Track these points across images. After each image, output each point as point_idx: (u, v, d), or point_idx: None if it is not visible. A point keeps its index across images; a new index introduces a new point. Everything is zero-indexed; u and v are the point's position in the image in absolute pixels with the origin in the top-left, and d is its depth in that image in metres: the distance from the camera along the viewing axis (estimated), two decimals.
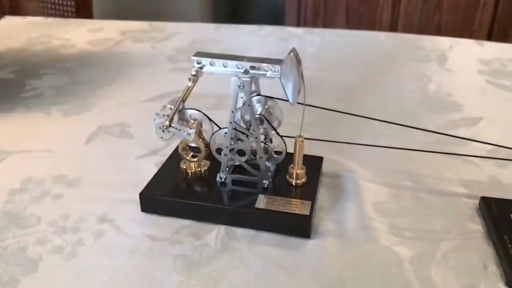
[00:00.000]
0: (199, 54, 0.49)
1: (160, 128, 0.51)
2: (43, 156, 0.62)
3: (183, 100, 0.51)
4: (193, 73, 0.49)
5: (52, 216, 0.51)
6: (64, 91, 0.83)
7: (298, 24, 1.97)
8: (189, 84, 0.49)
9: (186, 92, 0.50)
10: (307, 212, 0.47)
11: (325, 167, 0.57)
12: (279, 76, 0.46)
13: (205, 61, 0.49)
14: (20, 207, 0.52)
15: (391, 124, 0.69)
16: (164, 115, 0.51)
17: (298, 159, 0.50)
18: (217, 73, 0.49)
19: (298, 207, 0.47)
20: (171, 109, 0.50)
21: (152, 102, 0.78)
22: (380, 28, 1.93)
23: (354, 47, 1.05)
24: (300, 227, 0.47)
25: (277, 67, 0.46)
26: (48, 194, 0.54)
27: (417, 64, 0.93)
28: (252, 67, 0.47)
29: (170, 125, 0.50)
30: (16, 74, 0.90)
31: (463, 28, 1.87)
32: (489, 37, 1.84)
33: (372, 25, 1.94)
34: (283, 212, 0.47)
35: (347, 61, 0.97)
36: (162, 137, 0.52)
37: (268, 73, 0.47)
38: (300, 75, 0.46)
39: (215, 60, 0.48)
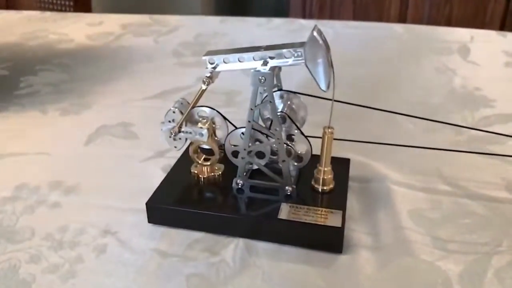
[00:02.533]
0: (210, 52, 0.43)
1: (170, 136, 0.45)
2: (38, 160, 0.57)
3: (194, 106, 0.45)
4: (208, 74, 0.43)
5: (48, 228, 0.45)
6: (61, 88, 0.77)
7: (303, 17, 1.90)
8: (203, 87, 0.43)
9: (198, 96, 0.44)
10: (338, 224, 0.41)
11: (351, 170, 0.51)
12: (304, 60, 0.40)
13: (218, 59, 0.43)
14: (12, 218, 0.46)
15: (417, 122, 0.63)
16: (170, 121, 0.45)
17: (326, 156, 0.44)
18: (234, 70, 0.43)
19: (327, 217, 0.42)
20: (174, 112, 0.45)
21: (157, 99, 0.72)
22: (388, 21, 1.87)
23: (369, 39, 0.99)
24: (330, 241, 0.41)
25: (300, 50, 0.40)
26: (43, 202, 0.49)
27: (439, 57, 0.87)
28: (272, 57, 0.41)
29: (179, 131, 0.45)
30: (10, 71, 0.85)
31: (474, 21, 1.81)
32: (501, 30, 1.78)
33: (379, 18, 1.88)
34: (310, 223, 0.41)
35: (364, 55, 0.91)
36: (175, 147, 0.46)
37: (291, 60, 0.41)
38: (329, 57, 0.40)
39: (228, 56, 0.43)
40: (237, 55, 0.43)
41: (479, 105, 0.68)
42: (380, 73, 0.81)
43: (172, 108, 0.45)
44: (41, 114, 0.68)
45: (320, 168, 0.45)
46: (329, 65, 0.39)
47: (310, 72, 0.40)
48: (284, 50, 0.41)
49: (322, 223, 0.41)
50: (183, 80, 0.78)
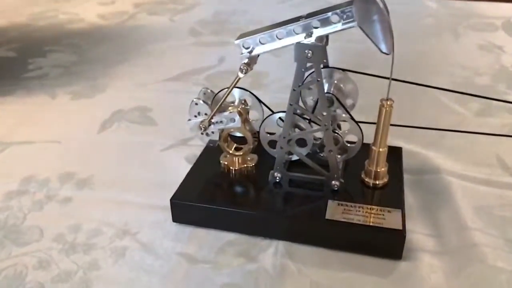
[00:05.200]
0: (242, 35, 0.37)
1: (202, 133, 0.40)
2: (48, 149, 0.51)
3: (226, 97, 0.39)
4: (245, 61, 0.36)
5: (59, 228, 0.40)
6: (72, 70, 0.72)
7: None
8: (241, 75, 0.37)
9: (233, 86, 0.38)
10: (398, 225, 0.35)
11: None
12: (355, 21, 0.33)
13: (253, 41, 0.36)
14: (18, 216, 0.41)
15: (468, 104, 0.57)
16: (196, 115, 0.40)
17: (383, 134, 0.37)
18: (273, 49, 0.37)
19: (384, 217, 0.35)
20: (197, 104, 0.39)
21: (175, 82, 0.66)
22: None
23: (402, 16, 0.91)
24: (389, 246, 0.35)
25: (350, 10, 0.33)
26: (53, 197, 0.43)
27: (482, 33, 0.80)
28: (316, 26, 0.34)
29: (210, 124, 0.39)
30: (18, 52, 0.79)
31: None
32: None
33: None
34: (365, 225, 0.35)
35: (399, 32, 0.82)
36: (211, 145, 0.42)
37: (339, 25, 0.33)
38: (387, 18, 0.33)
39: (264, 35, 0.36)
40: (274, 31, 0.36)
41: None
42: (419, 52, 0.74)
43: (195, 100, 0.39)
44: (51, 98, 0.63)
45: (374, 148, 0.38)
46: (388, 22, 0.32)
47: (366, 34, 0.33)
48: (330, 14, 0.34)
49: (380, 225, 0.35)
50: (203, 61, 0.72)
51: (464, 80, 0.65)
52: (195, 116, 0.40)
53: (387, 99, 0.36)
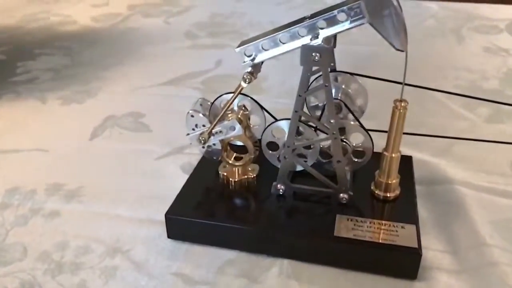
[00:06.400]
0: (243, 42, 0.35)
1: (203, 147, 0.38)
2: (34, 158, 0.49)
3: (228, 108, 0.36)
4: (249, 70, 0.34)
5: (44, 245, 0.37)
6: (62, 74, 0.69)
7: None
8: (244, 85, 0.34)
9: (235, 97, 0.35)
10: (413, 243, 0.32)
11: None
12: (365, 18, 0.30)
13: (255, 48, 0.34)
14: (0, 232, 0.38)
15: (478, 110, 0.54)
16: (194, 129, 0.38)
17: (396, 138, 0.35)
18: (277, 55, 0.34)
19: (397, 234, 0.33)
20: (193, 116, 0.37)
21: (170, 86, 0.63)
22: None
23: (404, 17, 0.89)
24: (403, 265, 0.32)
25: (357, 6, 0.30)
26: (39, 211, 0.40)
27: (486, 36, 0.78)
28: (322, 27, 0.32)
29: (210, 136, 0.37)
30: (7, 55, 0.76)
31: None
32: None
33: None
34: (378, 243, 0.32)
35: None
36: (214, 158, 0.39)
37: (347, 24, 0.31)
38: (401, 15, 0.30)
39: (266, 40, 0.33)
40: (277, 35, 0.33)
41: None
42: (422, 56, 0.71)
43: (191, 112, 0.37)
44: (40, 103, 0.60)
45: (386, 154, 0.35)
46: (401, 17, 0.30)
47: (377, 31, 0.30)
48: (336, 12, 0.31)
49: (393, 242, 0.32)
50: (199, 64, 0.69)
51: (471, 84, 0.62)
52: (193, 129, 0.37)
53: (400, 100, 0.34)
